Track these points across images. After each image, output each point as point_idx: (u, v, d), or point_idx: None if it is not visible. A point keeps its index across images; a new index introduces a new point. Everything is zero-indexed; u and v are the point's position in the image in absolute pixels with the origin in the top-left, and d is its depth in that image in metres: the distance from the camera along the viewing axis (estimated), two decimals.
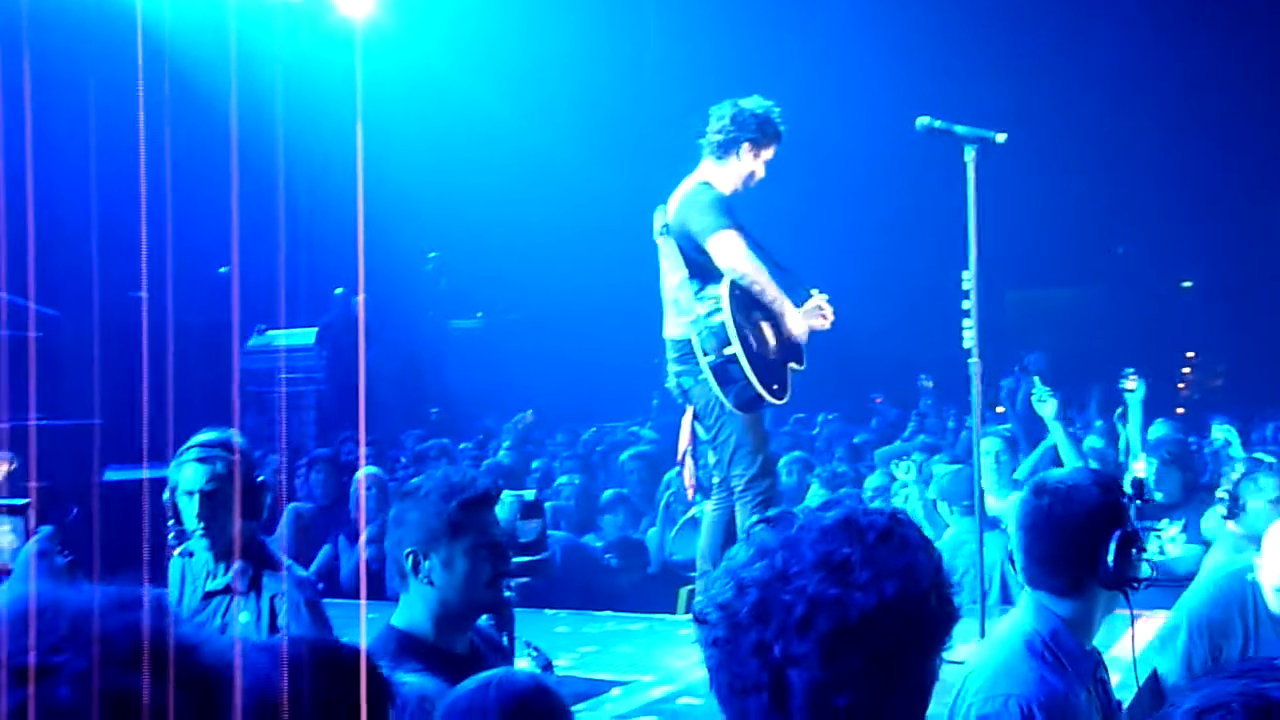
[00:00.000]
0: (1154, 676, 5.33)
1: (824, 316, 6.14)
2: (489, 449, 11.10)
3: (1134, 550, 3.41)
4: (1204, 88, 27.88)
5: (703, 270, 5.96)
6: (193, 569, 4.59)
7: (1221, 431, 9.63)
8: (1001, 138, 5.69)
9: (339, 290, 15.27)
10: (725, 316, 5.81)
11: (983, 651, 3.62)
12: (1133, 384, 8.75)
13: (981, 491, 7.01)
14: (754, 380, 5.80)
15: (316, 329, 15.02)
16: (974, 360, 5.77)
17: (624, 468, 9.55)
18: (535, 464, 9.75)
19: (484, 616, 4.32)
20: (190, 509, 4.46)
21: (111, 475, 11.30)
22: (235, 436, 4.68)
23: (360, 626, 4.65)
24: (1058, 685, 3.32)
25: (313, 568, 8.75)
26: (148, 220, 13.32)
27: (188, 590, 4.60)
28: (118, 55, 13.67)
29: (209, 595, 4.56)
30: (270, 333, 15.20)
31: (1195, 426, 11.71)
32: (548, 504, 9.03)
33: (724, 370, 5.86)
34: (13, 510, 2.88)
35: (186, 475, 4.46)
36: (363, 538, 8.43)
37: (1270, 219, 32.85)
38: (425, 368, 15.65)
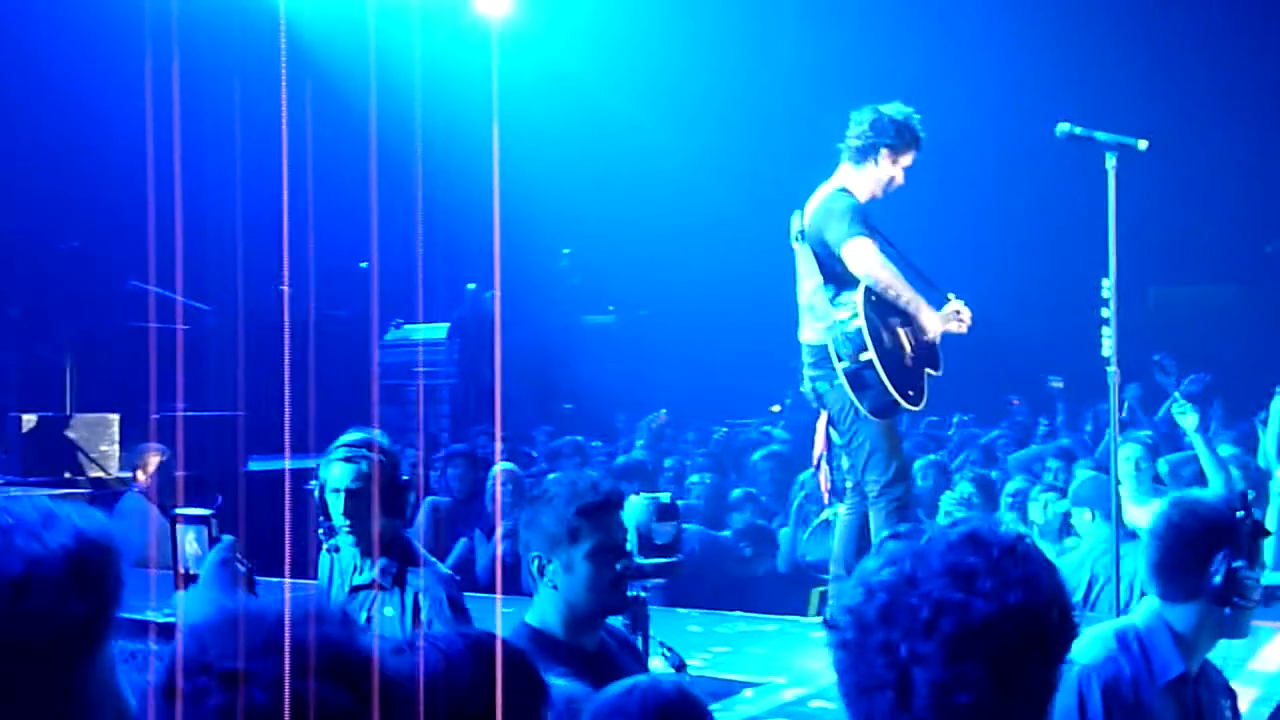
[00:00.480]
0: None
1: (960, 321, 6.09)
2: (620, 446, 11.18)
3: (1245, 569, 3.49)
4: None
5: (838, 276, 5.96)
6: (340, 563, 4.73)
7: None
8: (1143, 145, 5.63)
9: (471, 286, 15.47)
10: (861, 322, 5.80)
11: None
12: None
13: (1119, 500, 6.95)
14: (889, 386, 5.80)
15: (449, 324, 15.22)
16: (1113, 369, 5.72)
17: (756, 467, 9.56)
18: (668, 462, 9.80)
19: (618, 616, 4.43)
20: (337, 506, 4.61)
21: (255, 465, 11.59)
22: (379, 436, 4.81)
23: (496, 621, 4.75)
24: (1126, 671, 3.48)
25: (449, 561, 8.91)
26: (290, 217, 13.68)
27: (335, 583, 4.74)
28: (260, 55, 14.02)
29: (355, 589, 4.69)
30: (407, 327, 15.45)
31: None
32: (680, 502, 9.11)
33: (859, 376, 5.86)
34: (197, 520, 3.01)
35: (334, 474, 4.61)
36: (498, 532, 8.57)
37: None
38: (557, 363, 15.78)
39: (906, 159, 6.14)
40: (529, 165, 14.52)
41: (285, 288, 14.16)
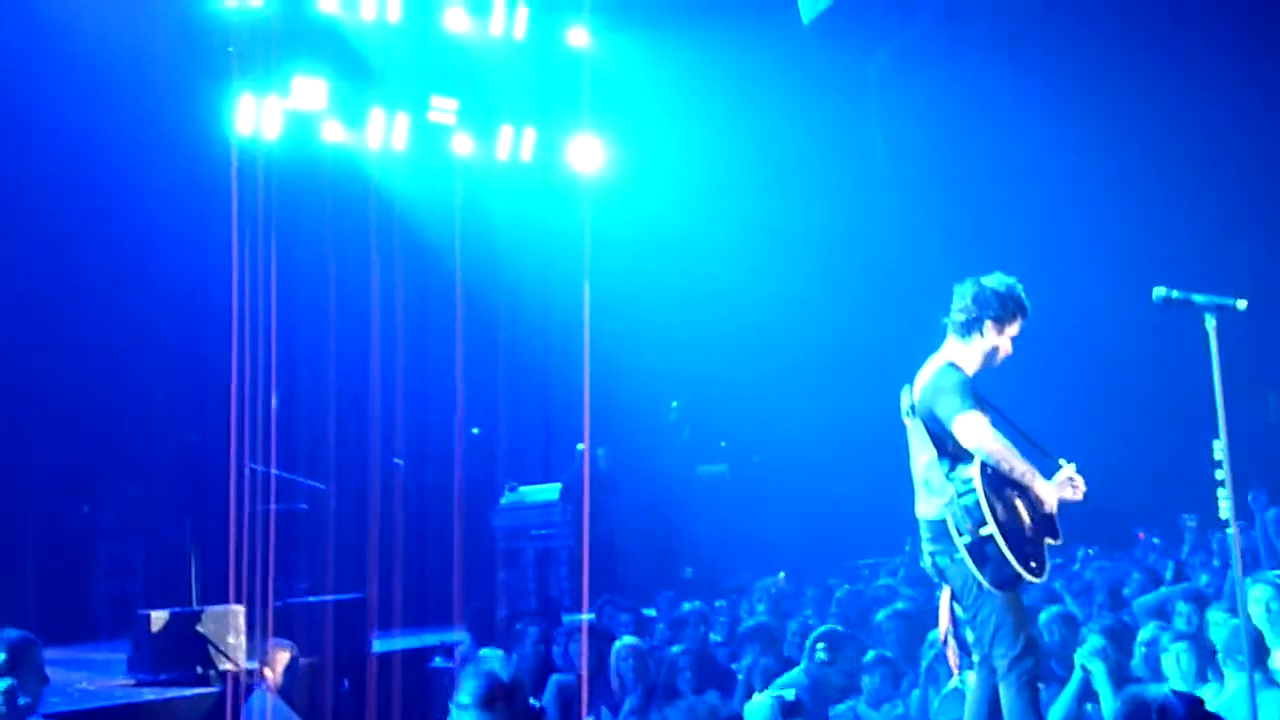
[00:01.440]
0: None
1: (1075, 487, 6.00)
2: (742, 609, 11.09)
3: None
4: None
5: (952, 451, 5.93)
6: None
7: None
8: (1242, 304, 5.58)
9: (580, 446, 15.56)
10: (979, 495, 5.75)
11: None
12: None
13: (1263, 647, 6.78)
14: (1011, 558, 5.73)
15: (560, 485, 15.28)
16: (1232, 530, 5.60)
17: (881, 627, 9.41)
18: (792, 625, 9.68)
19: None
20: None
21: (380, 646, 11.64)
22: (501, 670, 4.84)
23: None
24: None
25: None
26: (390, 389, 13.83)
27: None
28: (353, 226, 14.44)
29: None
30: (521, 489, 15.54)
31: None
32: (800, 667, 9.00)
33: (980, 550, 5.79)
34: None
35: None
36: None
37: None
38: (674, 518, 15.75)
39: (1013, 329, 6.13)
40: (632, 321, 14.70)
41: (399, 460, 14.39)
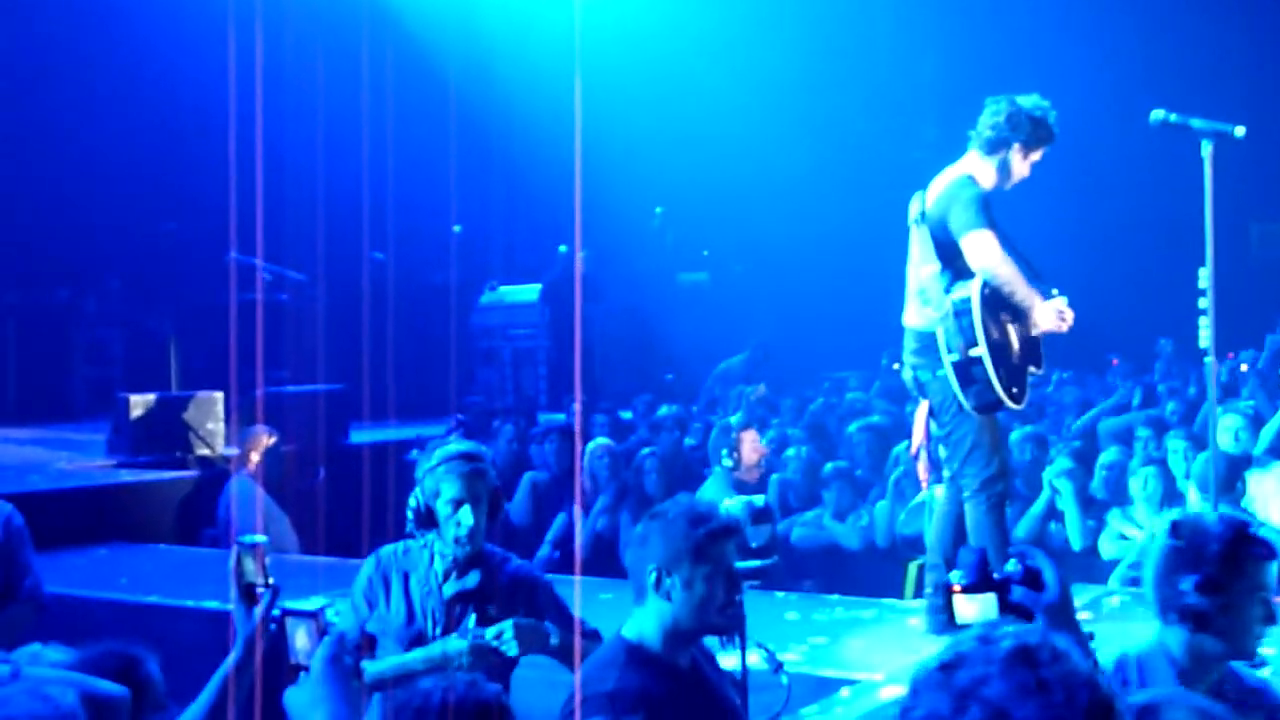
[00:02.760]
0: None
1: (1063, 320, 5.91)
2: (718, 415, 11.18)
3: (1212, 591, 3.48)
4: None
5: (957, 265, 5.83)
6: (431, 568, 4.74)
7: None
8: (1240, 131, 5.47)
9: (563, 248, 15.51)
10: (975, 315, 5.68)
11: None
12: None
13: (1238, 477, 6.91)
14: (995, 382, 5.68)
15: (540, 285, 15.28)
16: (1210, 360, 5.61)
17: (852, 439, 9.52)
18: (769, 435, 9.78)
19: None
20: (454, 519, 4.61)
21: (356, 437, 11.78)
22: (483, 450, 4.85)
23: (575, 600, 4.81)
24: None
25: (549, 536, 9.06)
26: (379, 185, 13.75)
27: (419, 588, 4.73)
28: (343, 21, 14.16)
29: (456, 598, 4.70)
30: (501, 289, 15.55)
31: None
32: (775, 475, 9.15)
33: (967, 370, 5.73)
34: (306, 614, 3.09)
35: (447, 487, 4.61)
36: (589, 510, 8.71)
37: None
38: (654, 324, 15.77)
39: (1036, 155, 5.97)
40: (617, 125, 14.51)
41: (378, 255, 14.34)
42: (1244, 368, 10.75)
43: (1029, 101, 5.93)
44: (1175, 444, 8.07)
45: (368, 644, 4.60)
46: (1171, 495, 7.58)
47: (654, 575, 3.80)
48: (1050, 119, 5.92)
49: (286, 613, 3.19)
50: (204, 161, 11.84)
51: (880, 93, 17.57)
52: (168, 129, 14.31)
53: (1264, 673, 3.83)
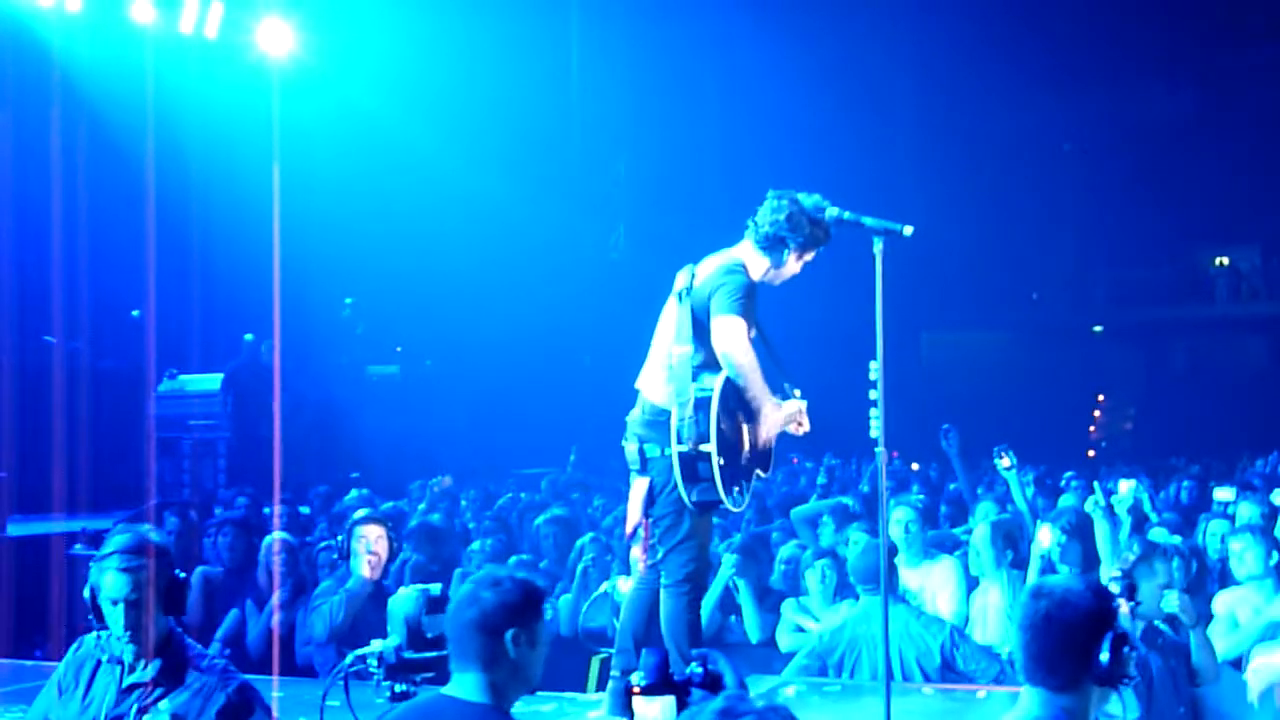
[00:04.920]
0: None
1: (799, 424, 5.92)
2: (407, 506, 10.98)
3: (1125, 649, 3.73)
4: (1111, 145, 28.96)
5: (710, 350, 5.72)
6: (115, 658, 4.59)
7: (1130, 490, 9.58)
8: (909, 231, 5.62)
9: (249, 336, 15.09)
10: (712, 411, 5.58)
11: None
12: (1006, 461, 8.92)
13: (892, 566, 7.11)
14: (719, 483, 5.59)
15: (222, 375, 14.82)
16: (880, 450, 5.75)
17: (539, 532, 9.47)
18: (456, 523, 9.64)
19: None
20: (115, 616, 4.49)
21: (15, 529, 11.11)
22: (153, 534, 4.69)
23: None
24: None
25: (219, 634, 8.64)
26: (61, 265, 13.15)
27: (101, 682, 4.57)
28: (29, 89, 13.56)
29: (131, 688, 4.57)
30: (181, 378, 15.00)
31: (1105, 472, 11.82)
32: (458, 570, 9.00)
33: (693, 465, 5.61)
34: None
35: (109, 583, 4.50)
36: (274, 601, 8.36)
37: (1176, 265, 33.71)
38: (342, 417, 15.48)
39: (810, 255, 5.96)
40: (309, 212, 14.31)
41: (52, 339, 13.67)
42: (914, 466, 11.20)
43: (810, 201, 5.90)
44: (856, 535, 8.32)
45: None
46: (845, 587, 7.79)
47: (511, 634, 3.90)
48: (828, 220, 5.87)
49: None
50: None
51: (573, 194, 17.87)
52: None
53: None
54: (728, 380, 5.66)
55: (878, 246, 5.67)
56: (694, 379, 5.65)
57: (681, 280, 5.86)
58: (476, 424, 16.13)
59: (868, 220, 5.73)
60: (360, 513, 7.92)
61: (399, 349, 17.84)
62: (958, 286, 29.20)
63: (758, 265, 5.89)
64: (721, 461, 5.58)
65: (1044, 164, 32.45)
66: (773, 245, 5.87)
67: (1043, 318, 32.69)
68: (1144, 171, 29.96)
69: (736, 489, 5.74)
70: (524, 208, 17.43)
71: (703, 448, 5.57)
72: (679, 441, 5.61)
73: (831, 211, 5.80)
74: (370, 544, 7.37)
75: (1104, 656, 3.68)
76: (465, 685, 3.97)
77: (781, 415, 5.82)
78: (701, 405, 5.59)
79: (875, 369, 5.68)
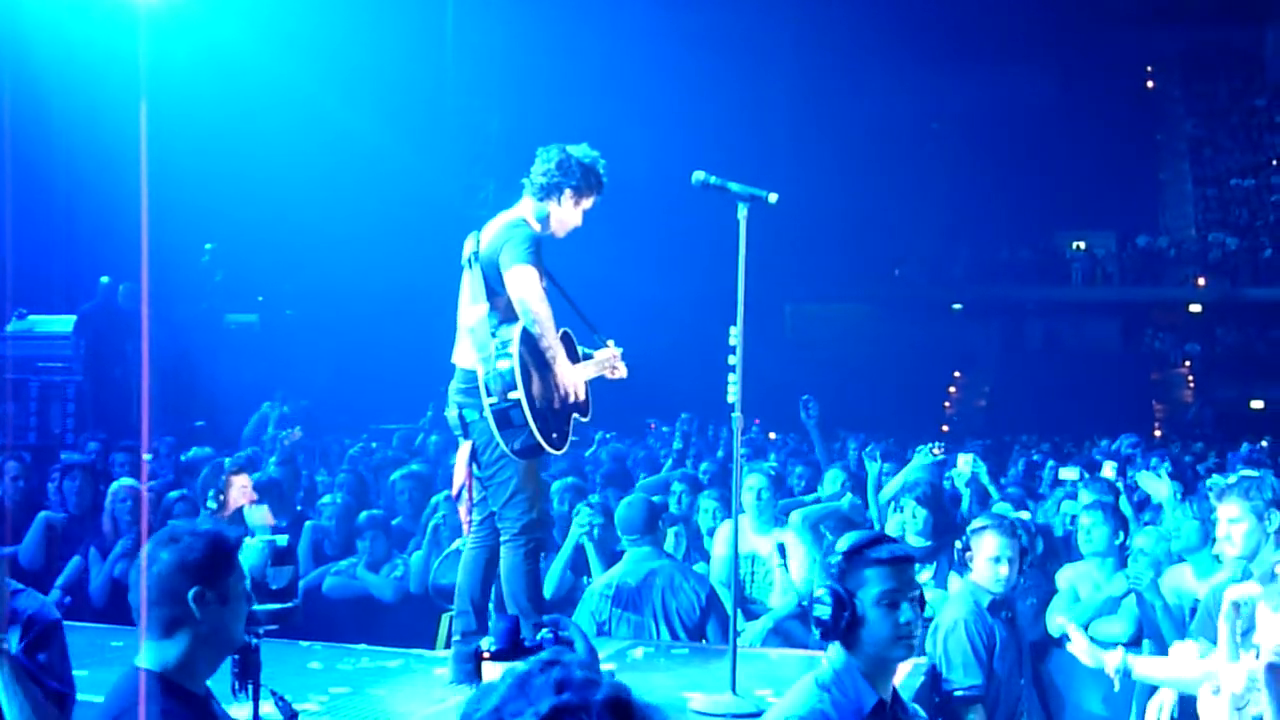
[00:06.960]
0: None
1: (614, 369, 6.09)
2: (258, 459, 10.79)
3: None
4: (977, 127, 29.48)
5: (504, 306, 5.84)
6: None
7: (968, 464, 9.81)
8: (774, 198, 5.72)
9: (105, 279, 14.70)
10: (514, 361, 5.68)
11: None
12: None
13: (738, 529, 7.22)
14: (534, 428, 5.70)
15: (75, 317, 14.41)
16: (737, 415, 5.81)
17: (395, 487, 9.41)
18: (305, 475, 9.52)
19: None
20: None
21: None
22: None
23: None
24: (834, 714, 3.95)
25: (60, 580, 8.46)
26: None
27: None
28: None
29: None
30: (31, 318, 14.56)
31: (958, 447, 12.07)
32: (309, 523, 8.93)
33: (505, 415, 5.71)
34: None
35: None
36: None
37: (1035, 248, 34.49)
38: (195, 365, 15.15)
39: (587, 202, 6.10)
40: (170, 157, 13.96)
41: None
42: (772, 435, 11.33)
43: (579, 150, 6.07)
44: (707, 503, 8.41)
45: None
46: (698, 550, 7.86)
47: (194, 594, 3.65)
48: (600, 167, 6.07)
49: None
50: None
51: (444, 147, 17.71)
52: None
53: None
54: (525, 329, 5.78)
55: (742, 212, 5.76)
56: (492, 335, 5.79)
57: (469, 246, 6.00)
58: (335, 377, 15.93)
59: (733, 186, 5.81)
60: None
61: (260, 298, 17.53)
62: (823, 259, 29.58)
63: (538, 217, 6.05)
64: (534, 406, 5.71)
65: (913, 142, 33.00)
66: (549, 193, 6.04)
67: (905, 293, 33.28)
68: (1008, 155, 30.61)
69: (555, 434, 5.86)
70: (393, 159, 17.25)
71: (510, 395, 5.69)
72: (488, 394, 5.74)
73: (698, 175, 5.86)
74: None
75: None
76: (147, 655, 3.67)
77: (592, 364, 6.04)
78: (502, 356, 5.74)
79: (735, 334, 5.76)
